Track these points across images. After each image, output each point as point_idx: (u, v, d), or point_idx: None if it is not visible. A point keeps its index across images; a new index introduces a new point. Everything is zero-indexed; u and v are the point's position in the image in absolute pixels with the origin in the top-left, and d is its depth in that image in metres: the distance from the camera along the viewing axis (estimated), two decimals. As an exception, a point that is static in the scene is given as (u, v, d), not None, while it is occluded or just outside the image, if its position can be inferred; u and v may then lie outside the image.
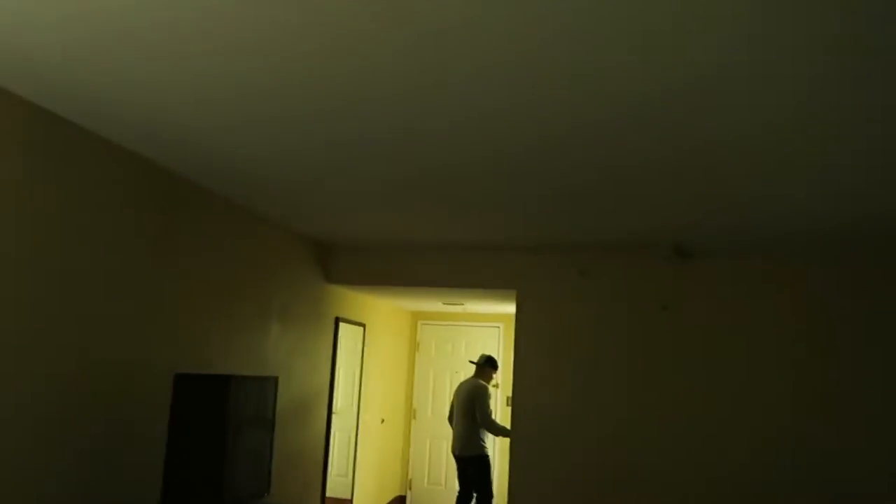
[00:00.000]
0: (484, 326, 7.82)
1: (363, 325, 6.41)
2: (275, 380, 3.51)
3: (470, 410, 5.92)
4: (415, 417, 7.85)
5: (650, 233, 4.31)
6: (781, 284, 4.71)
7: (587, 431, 4.85)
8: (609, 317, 4.96)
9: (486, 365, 6.17)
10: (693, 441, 4.68)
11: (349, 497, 6.18)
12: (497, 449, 7.41)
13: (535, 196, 3.59)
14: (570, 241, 4.72)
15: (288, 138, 2.86)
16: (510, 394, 5.15)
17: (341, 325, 5.81)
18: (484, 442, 5.92)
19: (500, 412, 7.47)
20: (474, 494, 5.89)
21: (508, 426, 5.22)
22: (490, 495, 5.85)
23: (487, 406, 5.91)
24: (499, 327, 7.74)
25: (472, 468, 5.88)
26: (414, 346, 8.04)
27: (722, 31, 1.78)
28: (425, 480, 7.70)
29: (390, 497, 7.53)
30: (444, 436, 7.02)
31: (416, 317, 8.09)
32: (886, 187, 3.05)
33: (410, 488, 7.80)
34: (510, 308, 6.06)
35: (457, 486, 6.01)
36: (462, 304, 6.76)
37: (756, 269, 4.76)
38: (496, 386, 7.56)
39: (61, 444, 2.77)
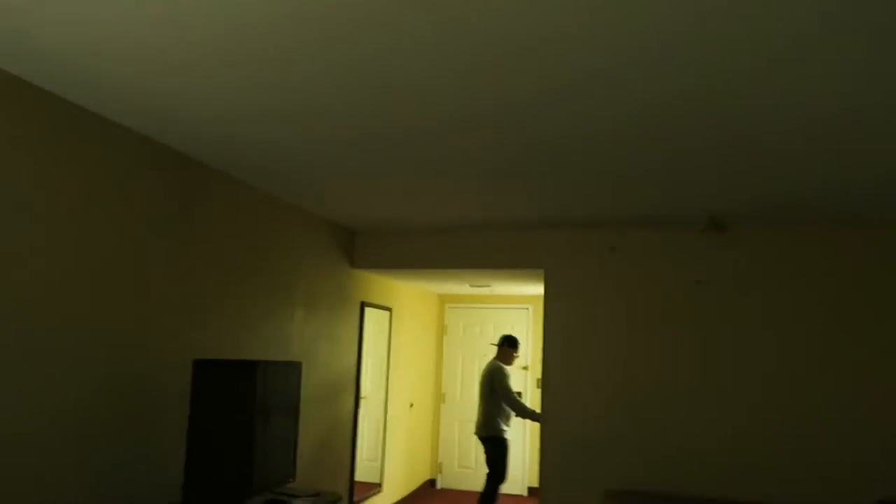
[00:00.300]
0: (512, 308, 7.70)
1: (389, 310, 6.34)
2: (299, 365, 3.45)
3: (487, 392, 5.93)
4: (444, 401, 7.79)
5: (683, 206, 4.14)
6: (818, 256, 4.52)
7: (620, 411, 4.72)
8: (640, 292, 4.81)
9: (505, 345, 6.11)
10: (730, 417, 4.53)
11: (378, 481, 6.15)
12: (528, 431, 7.33)
13: (565, 172, 3.46)
14: (599, 216, 4.57)
15: (310, 127, 2.78)
16: (540, 375, 5.03)
17: (367, 309, 5.74)
18: (503, 424, 5.87)
19: (531, 394, 7.37)
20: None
21: (539, 409, 5.11)
22: (499, 477, 5.83)
23: (506, 385, 5.89)
24: (528, 308, 7.62)
25: (487, 448, 5.90)
26: (442, 330, 7.96)
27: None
28: (455, 464, 7.65)
29: (421, 481, 7.50)
30: (473, 419, 6.94)
31: (444, 300, 8.00)
32: (938, 150, 2.86)
33: (440, 472, 7.76)
34: (539, 289, 5.95)
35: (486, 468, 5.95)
36: (489, 286, 6.65)
37: (794, 240, 4.57)
38: (526, 368, 7.47)
39: (83, 433, 2.73)
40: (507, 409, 5.86)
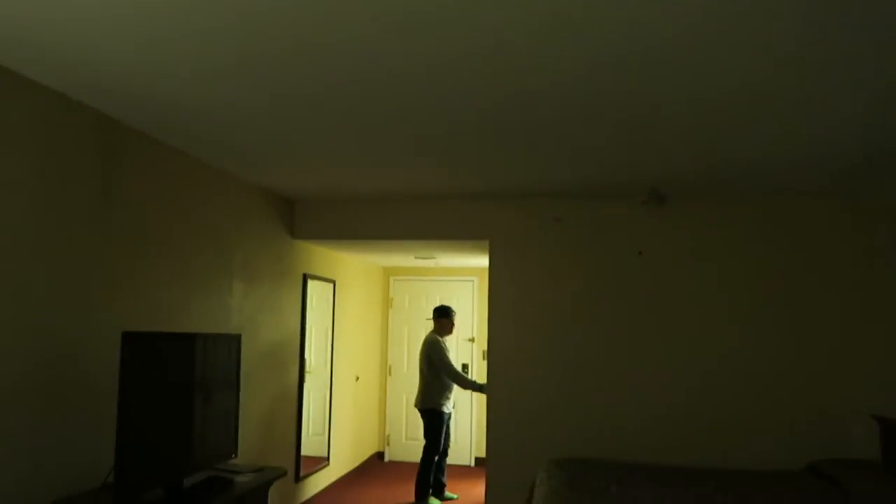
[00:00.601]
0: (458, 280, 7.69)
1: (333, 282, 6.23)
2: (238, 338, 3.34)
3: (425, 365, 5.94)
4: (390, 374, 7.76)
5: (625, 178, 4.16)
6: (756, 226, 4.64)
7: (563, 379, 4.77)
8: (584, 263, 4.85)
9: (439, 316, 6.12)
10: (669, 386, 4.63)
11: (326, 455, 6.10)
12: (475, 403, 7.37)
13: (508, 141, 3.41)
14: (543, 187, 4.56)
15: (238, 86, 2.63)
16: (486, 347, 5.04)
17: (310, 281, 5.63)
18: (440, 398, 5.87)
19: (477, 366, 7.41)
20: (443, 447, 5.93)
21: (485, 381, 5.12)
22: (434, 448, 5.85)
23: (444, 358, 5.90)
24: (473, 281, 7.62)
25: (425, 420, 5.92)
26: (387, 303, 7.90)
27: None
28: (403, 436, 7.65)
29: (368, 454, 7.48)
30: (421, 391, 6.94)
31: (389, 272, 7.93)
32: (876, 123, 2.93)
33: (388, 444, 7.75)
34: (484, 261, 5.94)
35: (434, 441, 5.97)
36: (434, 258, 6.61)
37: (733, 211, 4.67)
38: (472, 340, 7.49)
39: (6, 416, 2.58)
40: (448, 382, 5.86)
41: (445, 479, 6.05)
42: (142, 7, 2.07)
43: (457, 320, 6.29)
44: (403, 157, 3.87)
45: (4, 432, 2.58)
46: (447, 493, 6.00)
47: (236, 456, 3.30)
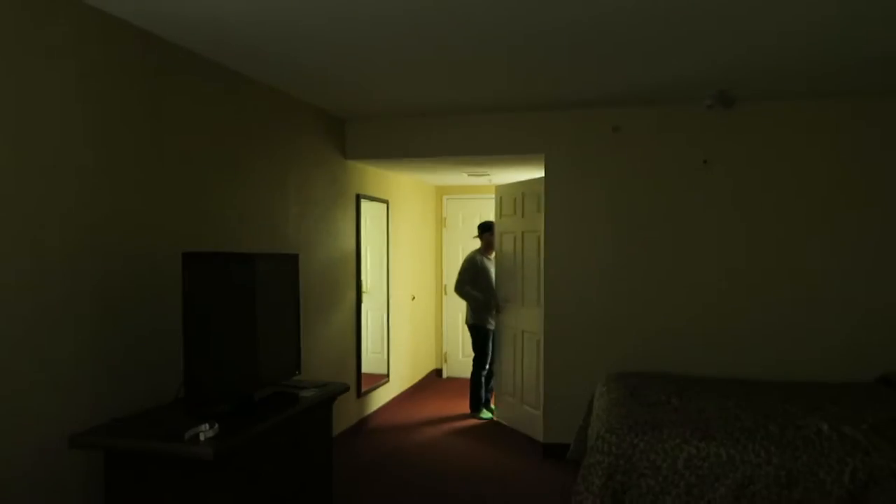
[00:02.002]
0: (511, 198, 7.55)
1: (386, 202, 6.20)
2: (296, 257, 3.35)
3: None
4: (445, 293, 7.81)
5: (690, 80, 3.92)
6: (841, 126, 4.35)
7: (620, 293, 4.69)
8: (644, 174, 4.67)
9: (482, 231, 6.15)
10: (734, 295, 4.51)
11: (385, 373, 6.24)
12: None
13: (569, 50, 3.22)
14: (600, 95, 4.35)
15: (299, 2, 2.53)
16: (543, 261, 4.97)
17: (363, 202, 5.61)
18: (484, 313, 5.90)
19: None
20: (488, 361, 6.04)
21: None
22: (480, 364, 5.98)
23: (461, 273, 6.06)
24: (527, 198, 7.47)
25: (472, 335, 6.05)
26: (440, 222, 7.87)
27: None
28: (459, 353, 7.77)
29: (426, 371, 7.63)
30: (477, 309, 6.97)
31: (441, 191, 7.85)
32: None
33: (445, 361, 7.89)
34: (539, 176, 5.80)
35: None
36: (488, 175, 6.48)
37: (813, 110, 4.38)
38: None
39: (83, 332, 2.66)
40: (483, 298, 5.87)
41: (488, 395, 6.12)
42: None
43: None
44: (461, 72, 3.72)
45: (74, 351, 2.67)
46: (484, 411, 6.03)
47: (300, 373, 3.37)
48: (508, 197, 5.70)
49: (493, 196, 6.03)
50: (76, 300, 2.65)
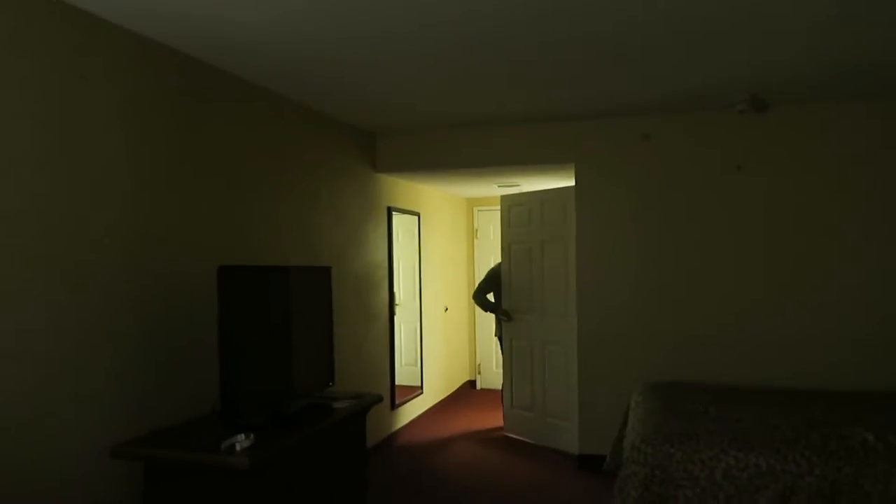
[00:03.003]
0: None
1: (417, 214, 6.24)
2: (328, 270, 3.39)
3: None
4: (478, 304, 7.79)
5: (721, 85, 3.88)
6: (880, 130, 4.26)
7: (651, 302, 4.64)
8: (675, 181, 4.62)
9: None
10: (765, 304, 4.42)
11: (419, 384, 6.25)
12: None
13: (589, 55, 3.22)
14: (630, 103, 4.33)
15: (334, 24, 2.58)
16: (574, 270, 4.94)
17: (395, 214, 5.65)
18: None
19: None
20: None
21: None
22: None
23: (481, 282, 6.05)
24: (558, 208, 7.45)
25: (501, 347, 5.97)
26: (472, 233, 7.88)
27: None
28: (493, 364, 7.74)
29: (461, 382, 7.62)
30: (509, 320, 6.95)
31: (472, 203, 7.87)
32: None
33: (479, 372, 7.87)
34: (569, 184, 5.77)
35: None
36: (518, 185, 6.48)
37: (849, 114, 4.29)
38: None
39: (112, 350, 2.73)
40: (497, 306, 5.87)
41: None
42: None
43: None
44: (489, 83, 3.75)
45: (114, 365, 2.74)
46: None
47: (333, 384, 3.40)
48: (520, 207, 5.66)
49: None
50: (117, 315, 2.72)
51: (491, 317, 7.18)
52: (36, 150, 2.40)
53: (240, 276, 2.83)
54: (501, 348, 5.92)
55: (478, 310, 7.74)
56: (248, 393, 2.78)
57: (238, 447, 2.44)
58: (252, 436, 2.52)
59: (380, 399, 3.55)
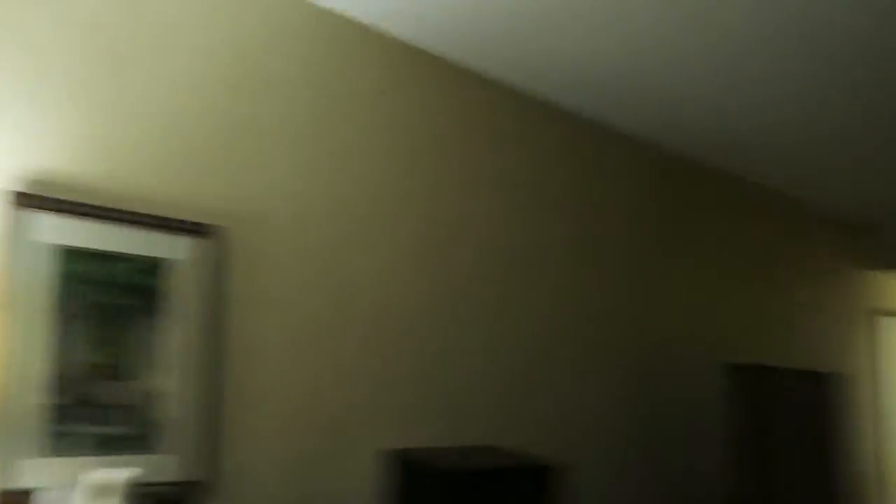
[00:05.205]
0: None
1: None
2: (839, 377, 2.90)
3: None
4: None
5: None
6: None
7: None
8: None
9: None
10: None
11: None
12: None
13: None
14: None
15: (837, 108, 2.31)
16: None
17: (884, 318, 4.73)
18: None
19: None
20: None
21: None
22: None
23: None
24: None
25: None
26: None
27: None
28: None
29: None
30: None
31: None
32: None
33: None
34: None
35: None
36: None
37: None
38: None
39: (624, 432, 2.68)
40: None
41: None
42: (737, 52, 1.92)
43: None
44: None
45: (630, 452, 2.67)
46: None
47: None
48: None
49: None
50: (612, 405, 2.69)
51: None
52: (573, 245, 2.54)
53: (755, 375, 2.55)
54: None
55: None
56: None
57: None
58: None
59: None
